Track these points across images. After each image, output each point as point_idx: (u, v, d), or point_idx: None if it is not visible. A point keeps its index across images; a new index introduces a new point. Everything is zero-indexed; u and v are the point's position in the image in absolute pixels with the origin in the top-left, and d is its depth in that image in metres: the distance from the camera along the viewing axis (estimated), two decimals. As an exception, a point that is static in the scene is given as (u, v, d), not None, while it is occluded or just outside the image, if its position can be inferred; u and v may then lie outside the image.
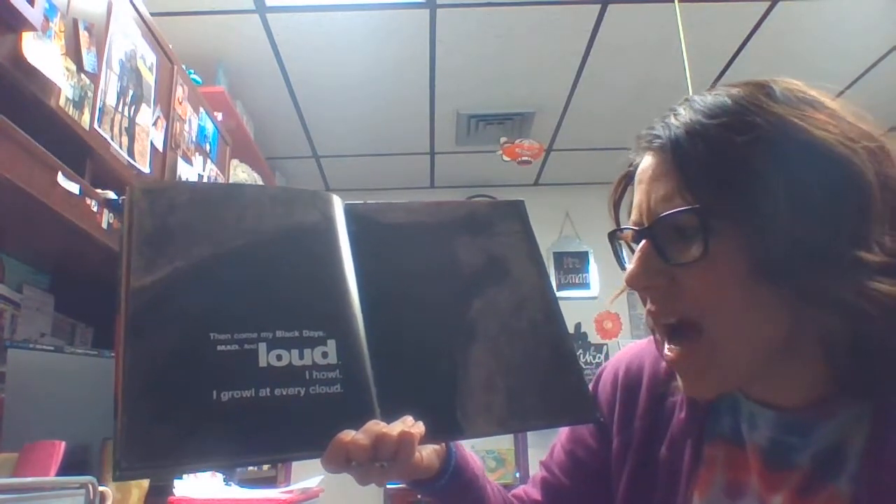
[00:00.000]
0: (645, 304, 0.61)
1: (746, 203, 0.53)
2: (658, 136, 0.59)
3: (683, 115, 0.58)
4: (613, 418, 0.73)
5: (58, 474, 1.00)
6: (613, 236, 0.66)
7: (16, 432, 1.14)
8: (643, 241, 0.59)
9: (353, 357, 0.57)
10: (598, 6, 2.55)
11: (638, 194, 0.61)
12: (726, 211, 0.54)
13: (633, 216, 0.62)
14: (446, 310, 0.65)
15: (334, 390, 0.55)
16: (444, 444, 0.66)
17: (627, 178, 0.67)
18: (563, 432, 0.80)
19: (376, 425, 0.53)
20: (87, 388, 1.29)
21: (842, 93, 0.58)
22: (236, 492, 1.60)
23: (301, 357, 0.55)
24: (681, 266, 0.56)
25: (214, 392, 0.52)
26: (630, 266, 0.59)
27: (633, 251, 0.64)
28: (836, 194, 0.52)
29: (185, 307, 0.55)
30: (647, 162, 0.61)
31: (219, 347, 0.54)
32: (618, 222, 0.67)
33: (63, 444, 1.04)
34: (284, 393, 0.54)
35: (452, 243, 0.68)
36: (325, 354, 0.56)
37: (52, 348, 1.44)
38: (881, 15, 2.67)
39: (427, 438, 0.55)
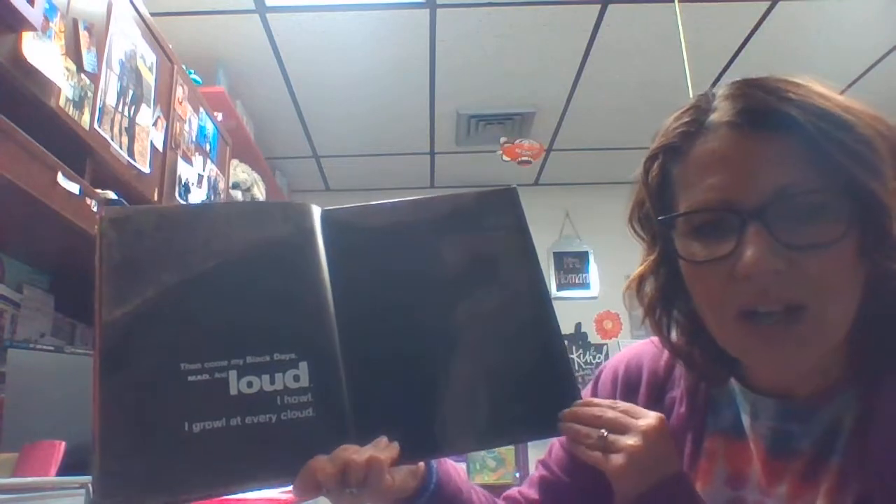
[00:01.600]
0: (714, 296, 0.58)
1: (865, 186, 0.53)
2: (777, 114, 0.55)
3: (799, 97, 0.55)
4: None
5: (58, 474, 1.00)
6: (670, 221, 0.60)
7: (16, 432, 1.14)
8: (754, 224, 0.54)
9: (326, 378, 0.57)
10: (598, 6, 2.55)
11: (730, 171, 0.56)
12: (851, 192, 0.53)
13: (719, 196, 0.56)
14: (428, 319, 0.62)
15: (306, 414, 0.55)
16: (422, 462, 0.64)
17: (666, 152, 0.62)
18: None
19: (345, 451, 0.52)
20: (87, 388, 1.29)
21: (842, 93, 0.58)
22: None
23: (272, 382, 0.55)
24: (808, 249, 0.53)
25: (186, 424, 0.52)
26: (750, 251, 0.54)
27: (691, 237, 0.59)
28: None
29: (156, 339, 0.55)
30: (742, 140, 0.56)
31: (189, 378, 0.54)
32: (657, 204, 0.63)
33: (63, 444, 1.04)
34: (255, 420, 0.54)
35: (437, 244, 0.65)
36: (296, 378, 0.56)
37: (52, 348, 1.45)
38: (881, 15, 2.67)
39: (403, 458, 0.55)
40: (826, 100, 0.55)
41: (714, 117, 0.58)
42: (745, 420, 0.65)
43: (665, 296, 0.66)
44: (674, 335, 0.68)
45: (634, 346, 0.79)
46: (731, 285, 0.56)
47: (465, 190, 0.68)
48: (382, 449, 0.54)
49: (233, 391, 0.54)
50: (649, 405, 0.70)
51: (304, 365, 0.56)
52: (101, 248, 0.57)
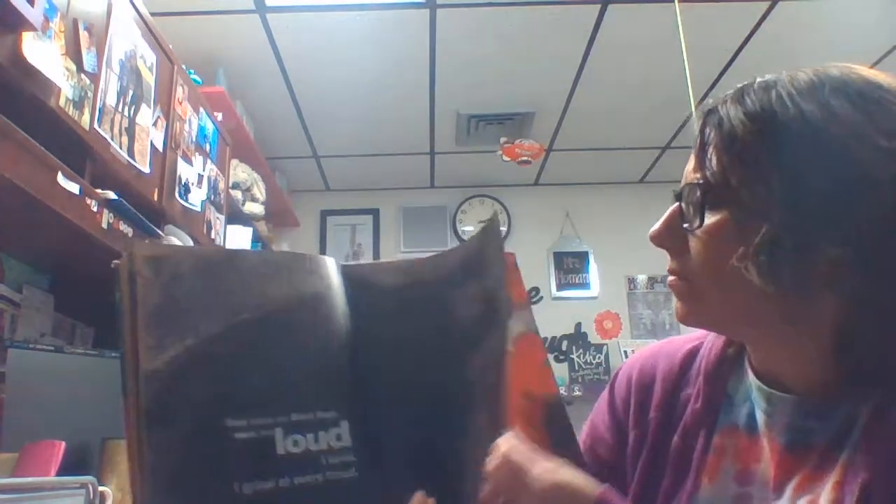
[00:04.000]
0: None
1: (743, 191, 0.56)
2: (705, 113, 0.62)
3: (728, 100, 0.60)
4: (629, 414, 0.75)
5: (58, 474, 1.01)
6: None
7: (16, 432, 1.14)
8: (675, 203, 0.63)
9: (364, 438, 0.56)
10: (598, 6, 2.55)
11: None
12: (726, 194, 0.57)
13: None
14: (446, 375, 0.62)
15: (350, 475, 0.54)
16: None
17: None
18: (583, 431, 0.81)
19: None
20: (87, 388, 1.29)
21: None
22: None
23: (316, 441, 0.54)
24: (689, 233, 0.61)
25: (236, 485, 0.50)
26: (656, 224, 0.64)
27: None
28: (833, 194, 0.52)
29: (199, 392, 0.52)
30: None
31: (236, 435, 0.51)
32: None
33: (63, 444, 1.05)
34: (303, 481, 0.52)
35: (450, 298, 0.64)
36: (339, 437, 0.55)
37: (52, 348, 1.44)
38: (881, 15, 2.67)
39: None
40: None
41: None
42: (760, 416, 0.65)
43: None
44: None
45: (650, 346, 0.81)
46: None
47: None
48: None
49: (280, 450, 0.52)
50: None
51: (344, 424, 0.55)
52: (137, 288, 0.51)
